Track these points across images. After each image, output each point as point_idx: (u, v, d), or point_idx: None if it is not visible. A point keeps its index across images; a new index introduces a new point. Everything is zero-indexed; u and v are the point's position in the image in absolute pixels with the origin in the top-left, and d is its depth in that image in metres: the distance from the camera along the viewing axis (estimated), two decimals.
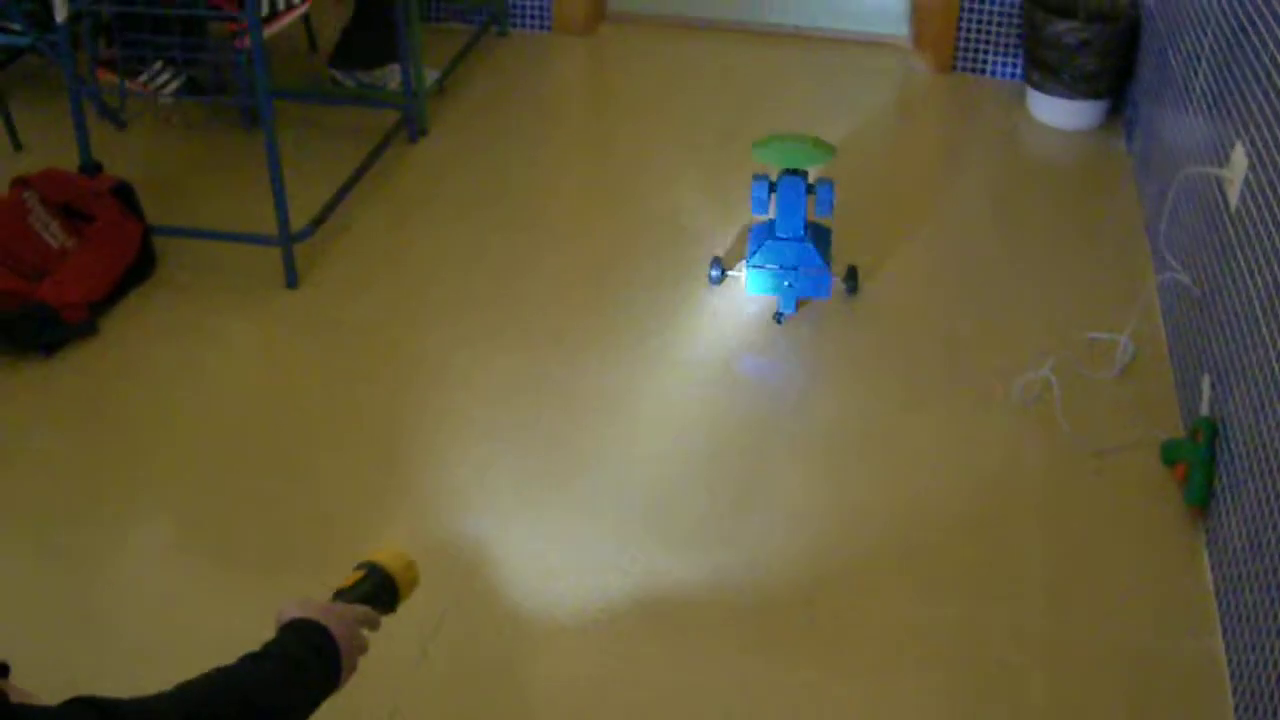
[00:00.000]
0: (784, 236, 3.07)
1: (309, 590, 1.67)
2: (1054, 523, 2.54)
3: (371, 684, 2.14)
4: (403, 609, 2.30)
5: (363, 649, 1.59)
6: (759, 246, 3.09)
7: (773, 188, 3.08)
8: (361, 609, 1.62)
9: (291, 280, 3.20)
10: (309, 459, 2.70)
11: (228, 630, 1.50)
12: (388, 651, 2.19)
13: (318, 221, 3.30)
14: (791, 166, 3.07)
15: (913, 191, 3.79)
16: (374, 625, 1.64)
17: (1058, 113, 4.02)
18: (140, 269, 3.23)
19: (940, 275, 3.32)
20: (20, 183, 3.21)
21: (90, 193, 3.21)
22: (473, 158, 3.85)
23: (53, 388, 2.88)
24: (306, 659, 1.47)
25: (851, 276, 3.19)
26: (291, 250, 3.18)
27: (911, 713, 2.16)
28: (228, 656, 1.45)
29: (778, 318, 3.12)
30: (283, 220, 3.13)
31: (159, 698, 1.32)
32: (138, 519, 2.56)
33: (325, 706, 2.08)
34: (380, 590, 1.69)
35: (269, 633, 1.52)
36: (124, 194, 3.24)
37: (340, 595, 1.66)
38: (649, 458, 2.70)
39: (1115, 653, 2.27)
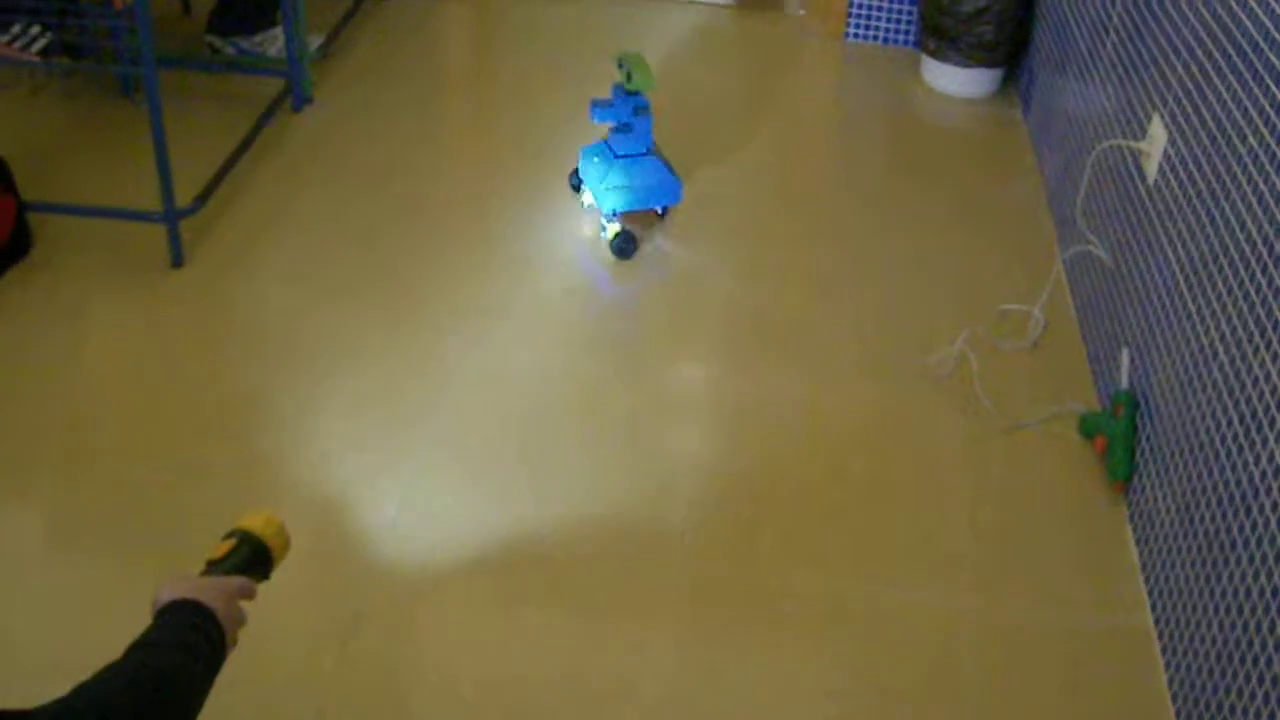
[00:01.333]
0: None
1: None
2: (977, 497, 2.52)
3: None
4: (319, 608, 2.23)
5: (242, 621, 1.54)
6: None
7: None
8: (238, 580, 1.58)
9: (177, 259, 3.05)
10: (199, 446, 2.57)
11: (120, 630, 1.42)
12: (307, 651, 2.13)
13: (203, 196, 3.16)
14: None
15: (809, 159, 3.75)
16: (250, 595, 1.59)
17: (953, 81, 4.00)
18: (14, 249, 3.06)
19: (843, 244, 3.28)
20: None
21: None
22: (360, 126, 3.72)
23: None
24: (196, 643, 1.42)
25: (621, 239, 3.19)
26: (177, 227, 3.03)
27: (843, 693, 2.12)
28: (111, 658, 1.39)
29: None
30: (168, 196, 2.98)
31: (67, 702, 1.25)
32: (19, 516, 2.42)
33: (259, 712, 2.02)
34: (254, 558, 1.65)
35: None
36: None
37: (213, 567, 1.61)
38: (561, 429, 2.63)
39: (1046, 629, 2.25)
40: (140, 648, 1.39)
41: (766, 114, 3.94)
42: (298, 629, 2.18)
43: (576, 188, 3.38)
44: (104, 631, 1.48)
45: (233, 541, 1.64)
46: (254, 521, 1.68)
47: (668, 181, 3.25)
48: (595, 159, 3.23)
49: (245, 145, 3.41)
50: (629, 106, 3.15)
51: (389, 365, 2.78)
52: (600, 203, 3.19)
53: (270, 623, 2.13)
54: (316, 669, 2.11)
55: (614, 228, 3.17)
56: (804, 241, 3.30)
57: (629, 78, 3.10)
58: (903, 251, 3.25)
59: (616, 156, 3.18)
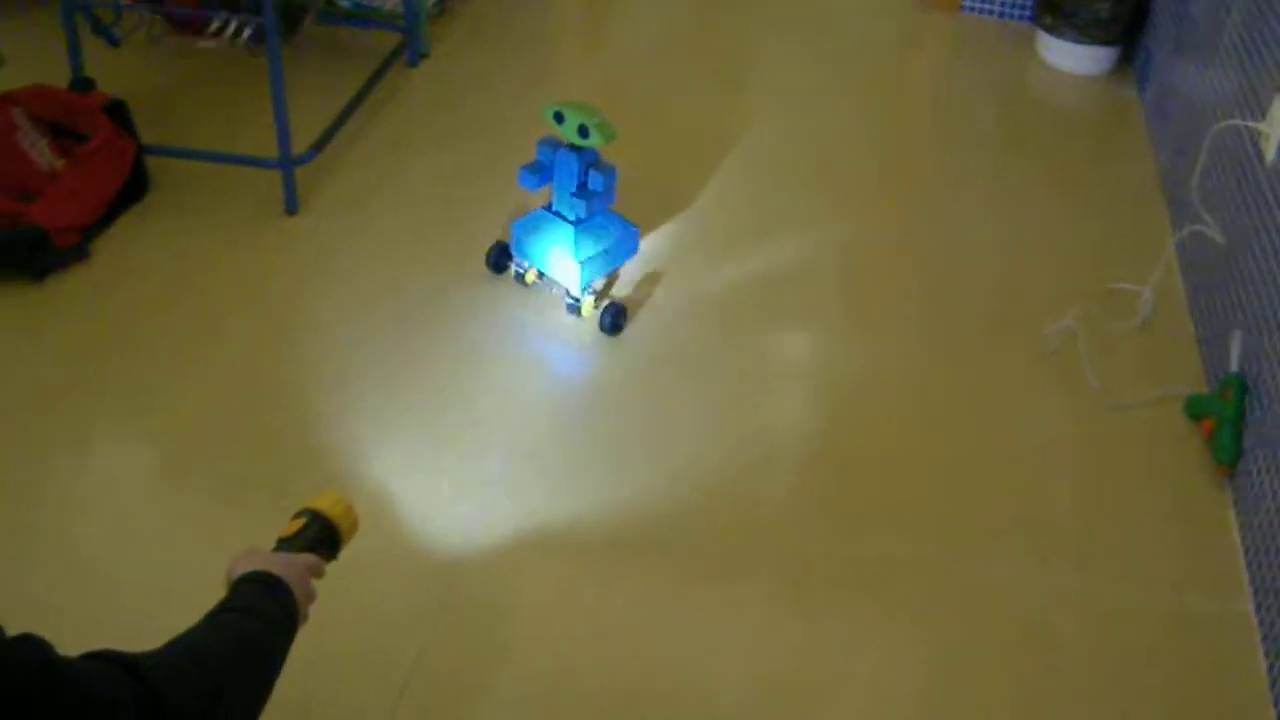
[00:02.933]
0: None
1: None
2: (1080, 475, 2.50)
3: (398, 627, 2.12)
4: (425, 553, 2.26)
5: (312, 597, 1.55)
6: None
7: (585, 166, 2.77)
8: (308, 557, 1.60)
9: (291, 205, 3.10)
10: (307, 392, 2.62)
11: (218, 571, 1.47)
12: (413, 595, 2.17)
13: (319, 145, 3.20)
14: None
15: (919, 133, 3.73)
16: (319, 573, 1.61)
17: (1068, 58, 3.96)
18: (133, 191, 3.12)
19: (951, 219, 3.26)
20: (7, 99, 3.09)
21: (82, 111, 3.09)
22: (474, 83, 3.75)
23: (44, 314, 2.78)
24: (274, 612, 1.45)
25: (610, 313, 2.79)
26: (293, 174, 3.08)
27: (941, 666, 2.12)
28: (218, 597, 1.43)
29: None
30: (284, 143, 3.03)
31: (165, 653, 1.27)
32: (129, 453, 2.48)
33: (359, 648, 2.05)
34: (323, 537, 1.66)
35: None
36: (117, 112, 3.12)
37: (284, 544, 1.63)
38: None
39: (1144, 611, 2.23)
40: (223, 612, 1.41)
41: (879, 87, 3.92)
42: (403, 571, 2.22)
43: (499, 267, 2.95)
44: (205, 571, 1.52)
45: (303, 520, 1.67)
46: (323, 502, 1.70)
47: (628, 233, 2.90)
48: (545, 232, 2.83)
49: (360, 97, 3.45)
50: (580, 164, 2.73)
51: (496, 325, 2.81)
52: (572, 280, 2.80)
53: (377, 563, 2.19)
54: (420, 611, 2.15)
55: (589, 302, 2.83)
56: (911, 216, 3.29)
57: (583, 133, 2.68)
58: (1012, 228, 3.22)
59: (576, 222, 2.78)
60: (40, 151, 3.05)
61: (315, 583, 1.58)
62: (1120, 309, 2.91)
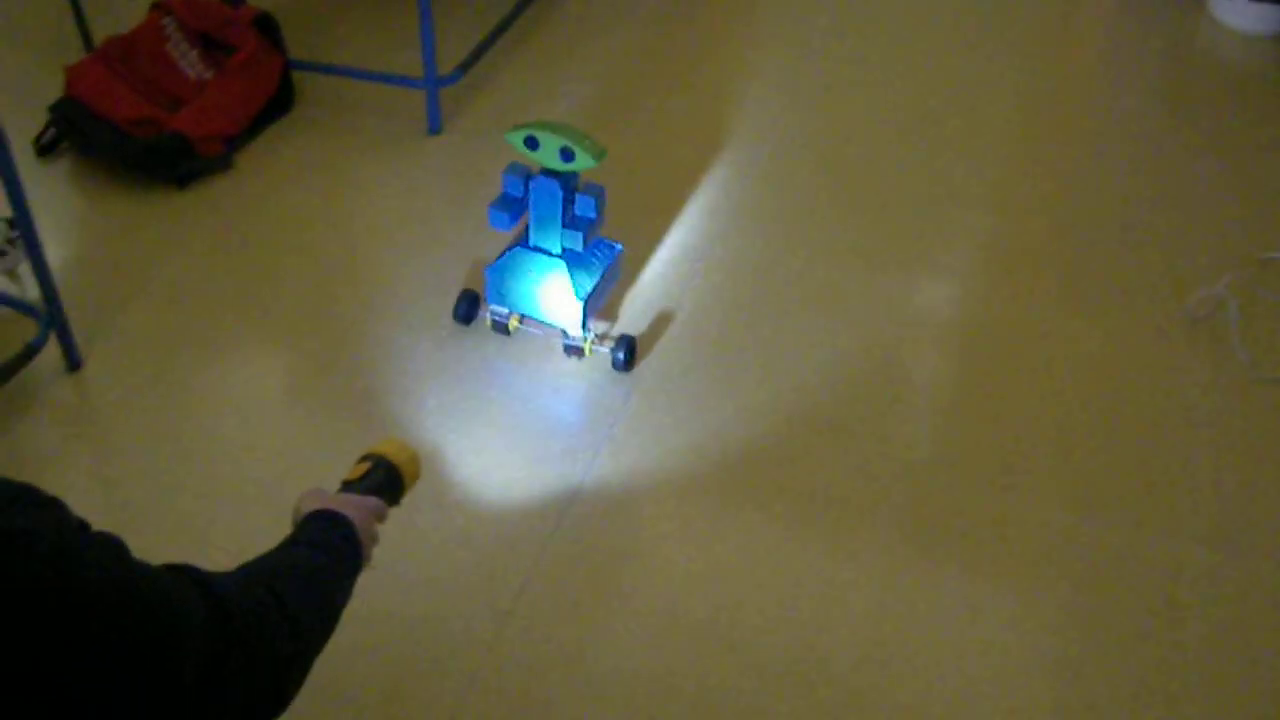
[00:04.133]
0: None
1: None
2: (1221, 447, 2.41)
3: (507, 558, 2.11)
4: (540, 481, 2.24)
5: (376, 540, 1.54)
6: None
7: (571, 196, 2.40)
8: (373, 501, 1.59)
9: (434, 126, 3.10)
10: (438, 309, 2.62)
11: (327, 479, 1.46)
12: (524, 518, 2.16)
13: (464, 67, 3.19)
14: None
15: (1078, 89, 3.62)
16: (383, 517, 1.60)
17: (1239, 15, 3.81)
18: (278, 104, 3.15)
19: (1103, 177, 3.16)
20: (159, 8, 3.13)
21: (232, 23, 3.11)
22: (624, 11, 3.71)
23: (184, 221, 2.82)
24: (343, 549, 1.44)
25: (624, 348, 2.49)
26: (437, 95, 3.07)
27: (1064, 634, 2.06)
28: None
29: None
30: (429, 63, 3.03)
31: (240, 575, 1.27)
32: (259, 360, 2.50)
33: (473, 572, 2.05)
34: (387, 482, 1.65)
35: None
36: (266, 26, 3.14)
37: (348, 487, 1.62)
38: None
39: (1277, 600, 2.15)
40: (293, 545, 1.41)
41: (1039, 41, 3.81)
42: (517, 498, 2.22)
43: (468, 319, 2.59)
44: (313, 476, 1.52)
45: (367, 465, 1.66)
46: (388, 447, 1.69)
47: (614, 255, 2.56)
48: (529, 271, 2.46)
49: (509, 21, 3.44)
50: (562, 190, 2.35)
51: (629, 251, 2.78)
52: (572, 320, 2.48)
53: (490, 490, 2.18)
54: (531, 537, 2.15)
55: (590, 340, 2.51)
56: (1061, 172, 3.19)
57: (565, 156, 2.28)
58: (1168, 189, 3.11)
59: (566, 255, 2.43)
60: (189, 62, 3.08)
61: (379, 527, 1.57)
62: (1275, 279, 2.80)
